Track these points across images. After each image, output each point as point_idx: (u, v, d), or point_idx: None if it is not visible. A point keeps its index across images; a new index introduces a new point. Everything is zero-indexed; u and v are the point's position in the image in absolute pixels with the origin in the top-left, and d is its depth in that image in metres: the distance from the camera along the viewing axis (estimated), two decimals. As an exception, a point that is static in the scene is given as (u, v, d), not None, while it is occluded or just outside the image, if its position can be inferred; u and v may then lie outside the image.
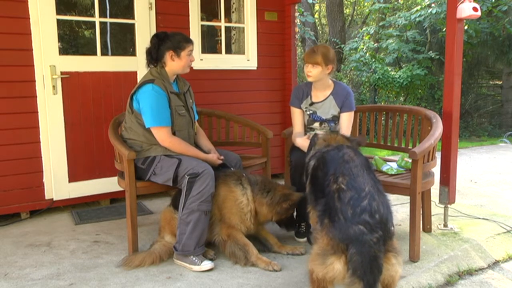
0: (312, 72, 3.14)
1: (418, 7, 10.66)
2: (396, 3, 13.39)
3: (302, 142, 3.12)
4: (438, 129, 2.98)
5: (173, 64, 2.91)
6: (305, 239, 3.25)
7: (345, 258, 1.93)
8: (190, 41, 2.95)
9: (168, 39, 2.89)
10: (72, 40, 4.47)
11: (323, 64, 3.11)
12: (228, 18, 4.81)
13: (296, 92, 3.36)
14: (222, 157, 3.04)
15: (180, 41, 2.90)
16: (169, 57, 2.89)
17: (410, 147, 3.31)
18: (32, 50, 3.58)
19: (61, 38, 3.89)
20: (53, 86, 3.66)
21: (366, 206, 2.01)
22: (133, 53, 4.11)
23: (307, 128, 3.34)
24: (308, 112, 3.30)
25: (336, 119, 3.25)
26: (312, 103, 3.28)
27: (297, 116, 3.33)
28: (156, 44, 2.91)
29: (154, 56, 2.92)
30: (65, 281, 2.59)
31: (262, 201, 2.86)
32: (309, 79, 3.20)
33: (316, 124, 3.28)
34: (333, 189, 2.15)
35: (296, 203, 2.91)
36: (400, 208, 3.92)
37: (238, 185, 2.87)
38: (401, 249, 2.13)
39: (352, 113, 3.24)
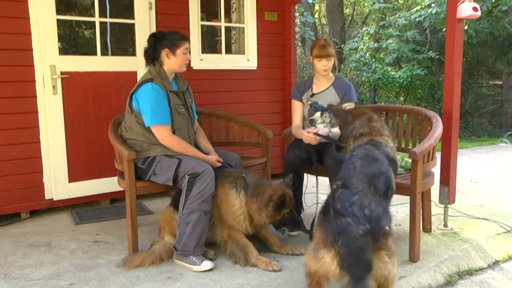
0: (328, 65, 3.27)
1: (418, 7, 10.65)
2: (396, 3, 13.38)
3: (307, 135, 3.07)
4: (438, 129, 2.98)
5: (169, 63, 2.92)
6: (297, 232, 3.31)
7: (334, 251, 1.94)
8: (185, 39, 2.96)
9: (165, 38, 2.91)
10: (72, 40, 4.47)
11: (334, 55, 3.26)
12: (228, 18, 4.81)
13: (299, 86, 3.49)
14: (221, 160, 3.04)
15: (175, 39, 2.91)
16: (165, 55, 2.90)
17: (410, 147, 3.31)
18: (32, 50, 3.58)
19: (61, 38, 3.89)
20: (53, 86, 3.66)
21: (356, 200, 2.04)
22: (133, 53, 4.11)
23: (308, 119, 3.39)
24: (309, 103, 3.37)
25: None
26: (313, 94, 3.37)
27: (297, 109, 3.43)
28: (153, 43, 2.92)
29: (151, 55, 2.93)
30: (65, 281, 2.59)
31: (252, 207, 2.79)
32: (325, 74, 3.31)
33: (317, 114, 3.34)
34: (332, 191, 2.22)
35: (281, 202, 2.72)
36: (400, 208, 3.92)
37: (233, 187, 2.85)
38: (396, 250, 2.11)
39: (353, 104, 3.28)
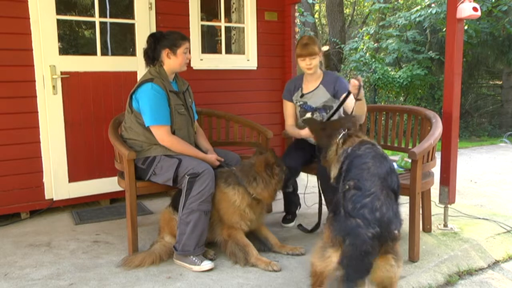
0: (313, 63, 3.20)
1: (418, 7, 10.66)
2: (396, 3, 13.38)
3: (305, 132, 3.09)
4: (437, 129, 2.98)
5: (170, 62, 2.92)
6: (291, 224, 3.38)
7: (342, 251, 1.92)
8: (186, 39, 2.96)
9: (164, 38, 2.91)
10: (72, 40, 4.47)
11: (319, 52, 3.20)
12: (228, 18, 4.81)
13: (289, 85, 3.46)
14: (221, 158, 3.04)
15: (176, 39, 2.91)
16: (165, 55, 2.90)
17: (410, 147, 3.31)
18: (32, 50, 3.58)
19: (61, 38, 3.89)
20: (53, 86, 3.66)
21: (368, 203, 2.01)
22: (133, 53, 4.11)
23: (300, 120, 3.38)
24: (299, 103, 3.36)
25: (327, 107, 3.28)
26: (302, 95, 3.35)
27: (289, 109, 3.44)
28: (152, 44, 2.92)
29: (151, 56, 2.93)
30: (65, 281, 2.59)
31: (258, 190, 2.81)
32: (310, 72, 3.25)
33: (308, 114, 3.34)
34: (343, 190, 2.17)
35: (276, 159, 2.86)
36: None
37: (227, 186, 2.85)
38: (402, 253, 2.10)
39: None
